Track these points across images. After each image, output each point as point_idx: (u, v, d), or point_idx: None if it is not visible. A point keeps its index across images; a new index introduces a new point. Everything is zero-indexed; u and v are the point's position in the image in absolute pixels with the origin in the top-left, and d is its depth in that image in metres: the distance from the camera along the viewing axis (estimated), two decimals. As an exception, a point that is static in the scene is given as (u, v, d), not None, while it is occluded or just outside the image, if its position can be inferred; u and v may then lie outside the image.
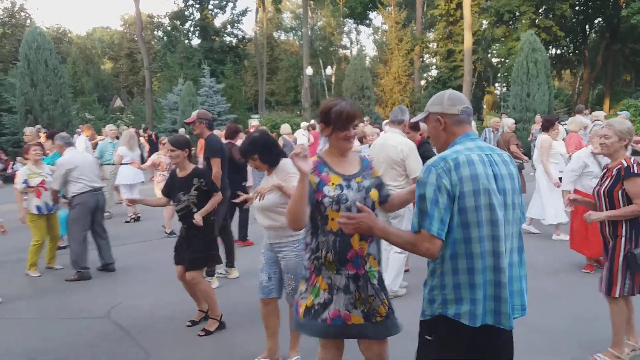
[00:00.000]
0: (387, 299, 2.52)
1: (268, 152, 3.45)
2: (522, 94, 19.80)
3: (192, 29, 38.51)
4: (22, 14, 42.79)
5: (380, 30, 45.14)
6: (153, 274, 6.11)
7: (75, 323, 4.67)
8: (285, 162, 3.44)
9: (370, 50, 50.63)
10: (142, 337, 4.31)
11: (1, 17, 41.62)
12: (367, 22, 44.37)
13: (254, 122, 15.03)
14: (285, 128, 12.51)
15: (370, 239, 2.44)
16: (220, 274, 5.83)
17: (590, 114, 12.52)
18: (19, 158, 12.59)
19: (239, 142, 6.77)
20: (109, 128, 10.36)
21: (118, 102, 42.00)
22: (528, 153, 11.80)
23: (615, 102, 31.25)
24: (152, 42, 42.01)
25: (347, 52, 46.00)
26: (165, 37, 38.72)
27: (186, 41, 37.96)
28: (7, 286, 5.73)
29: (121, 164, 9.13)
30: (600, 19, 35.16)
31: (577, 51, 36.51)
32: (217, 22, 39.86)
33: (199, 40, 37.92)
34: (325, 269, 2.47)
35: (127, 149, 9.21)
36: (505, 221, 2.00)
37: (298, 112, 33.35)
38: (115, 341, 4.24)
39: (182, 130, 15.38)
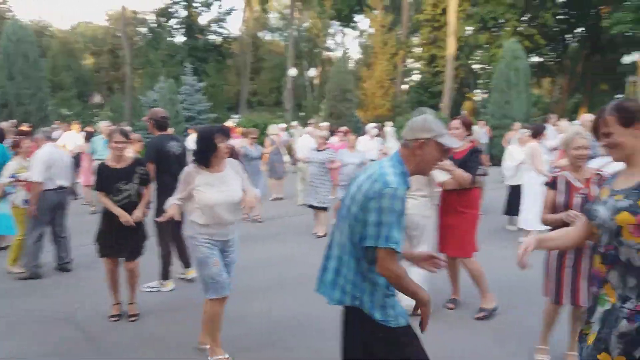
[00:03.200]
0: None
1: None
2: (501, 102, 20.00)
3: (177, 26, 38.32)
4: (3, 6, 42.09)
5: (365, 33, 45.31)
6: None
7: (38, 326, 4.55)
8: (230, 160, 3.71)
9: (355, 53, 50.75)
10: (103, 340, 4.25)
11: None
12: (353, 24, 44.51)
13: (228, 122, 14.93)
14: (273, 129, 12.34)
15: (610, 266, 2.05)
16: (182, 275, 5.76)
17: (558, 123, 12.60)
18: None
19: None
20: (104, 124, 10.26)
21: (97, 98, 41.47)
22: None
23: (592, 111, 31.72)
24: (136, 39, 41.60)
25: (332, 54, 46.06)
26: (149, 34, 38.42)
27: (170, 38, 37.71)
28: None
29: None
30: (581, 29, 35.72)
31: (557, 60, 37.03)
32: (203, 20, 39.72)
33: (184, 38, 37.72)
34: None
35: None
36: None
37: (280, 113, 33.25)
38: (74, 345, 4.14)
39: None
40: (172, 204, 3.56)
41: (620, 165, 2.22)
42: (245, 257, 5.68)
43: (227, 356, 3.69)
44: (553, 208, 3.62)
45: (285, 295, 5.26)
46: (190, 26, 37.15)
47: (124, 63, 37.72)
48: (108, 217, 4.49)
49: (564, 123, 11.30)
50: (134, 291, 4.71)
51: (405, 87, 38.01)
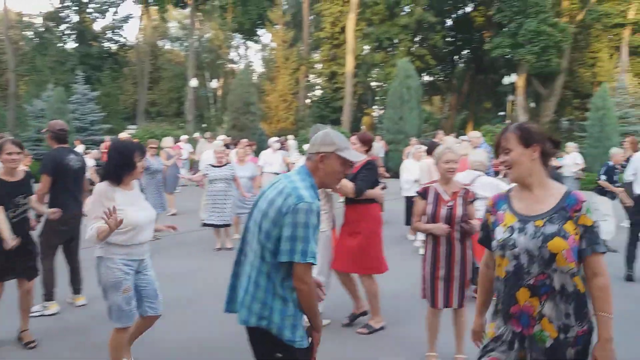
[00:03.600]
0: None
1: None
2: (396, 117, 21.14)
3: (67, 31, 36.12)
4: None
5: (268, 47, 45.63)
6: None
7: None
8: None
9: (259, 67, 50.90)
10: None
11: None
12: (256, 38, 44.64)
13: (122, 134, 14.37)
14: (167, 141, 11.96)
15: (545, 296, 2.01)
16: (69, 300, 5.41)
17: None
18: None
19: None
20: None
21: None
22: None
23: (477, 127, 34.42)
24: (21, 43, 38.56)
25: (235, 66, 45.82)
26: (36, 38, 35.83)
27: (60, 44, 35.46)
28: None
29: None
30: (467, 51, 38.72)
31: (446, 79, 39.78)
32: (97, 27, 37.84)
33: (75, 44, 35.64)
34: (498, 318, 2.18)
35: None
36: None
37: (181, 124, 32.44)
38: None
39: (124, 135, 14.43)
40: (95, 230, 3.18)
41: (489, 183, 2.44)
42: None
43: None
44: (420, 217, 3.87)
45: (193, 312, 5.17)
46: (83, 32, 35.22)
47: (7, 69, 34.80)
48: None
49: (449, 139, 12.20)
50: (28, 316, 4.34)
51: (308, 101, 38.77)
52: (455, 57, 39.26)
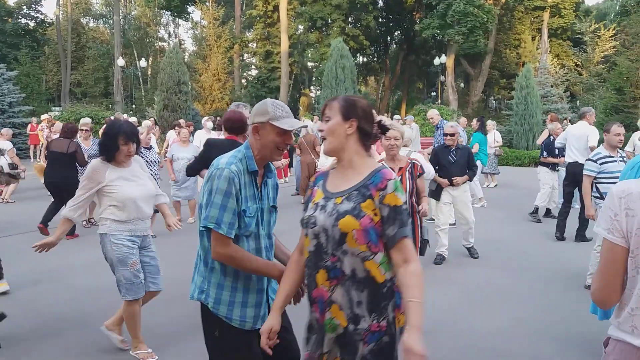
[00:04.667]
0: None
1: (139, 140, 3.57)
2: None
3: (-23, 6, 33.40)
4: None
5: (199, 25, 44.29)
6: None
7: None
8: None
9: (190, 45, 49.34)
10: None
11: None
12: (185, 16, 43.19)
13: (45, 115, 13.56)
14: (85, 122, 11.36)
15: (335, 281, 1.84)
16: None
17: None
18: None
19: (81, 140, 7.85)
20: None
21: None
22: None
23: (410, 107, 35.33)
24: None
25: (165, 44, 44.17)
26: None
27: (-31, 19, 32.78)
28: None
29: None
30: (399, 32, 39.38)
31: (380, 60, 40.37)
32: (11, 2, 35.18)
33: (-13, 20, 33.07)
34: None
35: None
36: None
37: (109, 105, 31.02)
38: None
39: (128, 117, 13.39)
40: (68, 212, 3.39)
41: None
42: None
43: (150, 350, 3.63)
44: None
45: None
46: (-5, 7, 32.73)
47: None
48: None
49: (383, 118, 12.49)
50: None
51: (243, 81, 38.14)
52: (388, 38, 39.86)
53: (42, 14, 37.06)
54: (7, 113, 19.97)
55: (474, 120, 11.17)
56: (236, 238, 2.10)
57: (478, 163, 9.94)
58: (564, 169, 7.63)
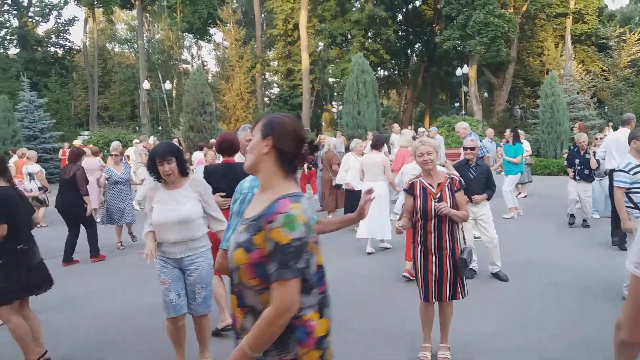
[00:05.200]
0: None
1: (182, 159, 3.57)
2: (354, 112, 21.28)
3: (8, 37, 34.63)
4: None
5: (221, 46, 45.05)
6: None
7: None
8: (197, 177, 3.70)
9: (213, 66, 50.18)
10: None
11: None
12: (208, 37, 44.01)
13: (76, 141, 13.91)
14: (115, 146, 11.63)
15: (245, 309, 1.75)
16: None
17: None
18: None
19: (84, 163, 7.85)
20: None
21: None
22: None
23: (433, 119, 35.13)
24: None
25: (189, 66, 45.02)
26: (-26, 45, 34.23)
27: (1, 50, 33.97)
28: None
29: None
30: (419, 44, 39.38)
31: (401, 73, 40.36)
32: (40, 31, 36.42)
33: (18, 50, 34.21)
34: None
35: None
36: None
37: (136, 128, 31.65)
38: None
39: (23, 149, 13.76)
40: (147, 232, 3.52)
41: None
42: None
43: None
44: (412, 214, 3.81)
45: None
46: (25, 37, 33.83)
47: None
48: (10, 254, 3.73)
49: (407, 131, 12.37)
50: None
51: (266, 99, 38.54)
52: (409, 50, 39.86)
53: (69, 41, 38.19)
54: (39, 139, 20.57)
55: (507, 131, 10.90)
56: None
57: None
58: (601, 178, 7.44)
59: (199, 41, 45.72)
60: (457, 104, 39.99)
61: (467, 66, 29.16)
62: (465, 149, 6.00)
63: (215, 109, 25.33)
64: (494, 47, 27.16)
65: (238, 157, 4.47)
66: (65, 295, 5.64)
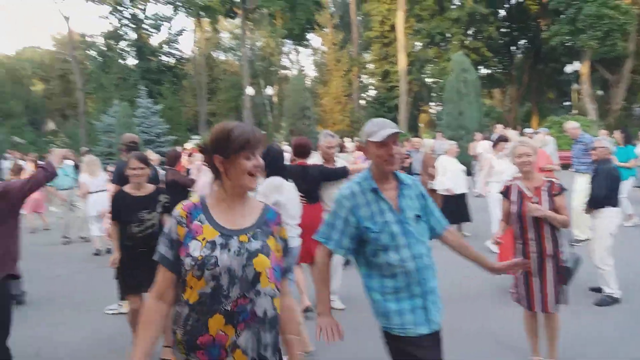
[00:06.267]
0: None
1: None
2: (455, 112, 20.73)
3: (127, 48, 37.86)
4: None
5: (318, 51, 46.00)
6: (80, 303, 5.88)
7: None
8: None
9: (311, 71, 51.35)
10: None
11: None
12: (306, 43, 45.12)
13: (188, 145, 14.88)
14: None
15: (242, 324, 1.72)
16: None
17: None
18: None
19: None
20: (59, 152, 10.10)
21: (50, 125, 40.35)
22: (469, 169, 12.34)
23: (541, 119, 33.22)
24: (86, 63, 40.79)
25: (288, 72, 46.46)
26: (99, 57, 37.78)
27: (121, 61, 37.19)
28: None
29: (89, 192, 8.19)
30: (524, 41, 37.44)
31: (505, 71, 38.61)
32: (154, 42, 39.41)
33: (135, 61, 37.29)
34: (177, 350, 1.78)
35: (89, 175, 8.33)
36: None
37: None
38: None
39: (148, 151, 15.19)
40: None
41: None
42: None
43: None
44: (508, 217, 3.72)
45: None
46: (141, 48, 36.79)
47: (76, 88, 36.88)
48: (128, 252, 4.08)
49: (511, 132, 11.87)
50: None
51: (362, 102, 38.73)
52: (512, 47, 38.05)
53: (180, 51, 40.92)
54: (155, 143, 22.27)
55: (617, 132, 9.98)
56: (374, 253, 2.31)
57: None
58: None
59: (298, 47, 46.97)
60: (567, 103, 37.49)
61: (579, 62, 27.24)
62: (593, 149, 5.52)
63: (313, 113, 25.98)
64: (609, 41, 25.11)
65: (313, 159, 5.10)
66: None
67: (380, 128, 2.31)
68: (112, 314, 5.42)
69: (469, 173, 10.78)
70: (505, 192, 3.74)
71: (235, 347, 1.70)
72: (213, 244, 1.73)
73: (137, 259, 3.99)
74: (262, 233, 1.81)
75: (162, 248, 1.82)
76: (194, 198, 1.89)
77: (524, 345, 3.92)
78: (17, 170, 9.28)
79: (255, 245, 1.76)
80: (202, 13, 36.60)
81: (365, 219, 2.30)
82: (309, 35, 43.02)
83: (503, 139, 7.87)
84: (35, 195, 10.53)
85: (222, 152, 1.78)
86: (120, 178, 5.41)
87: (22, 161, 15.77)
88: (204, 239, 1.74)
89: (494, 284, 5.61)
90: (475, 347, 4.20)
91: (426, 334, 2.28)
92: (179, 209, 1.83)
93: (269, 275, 1.76)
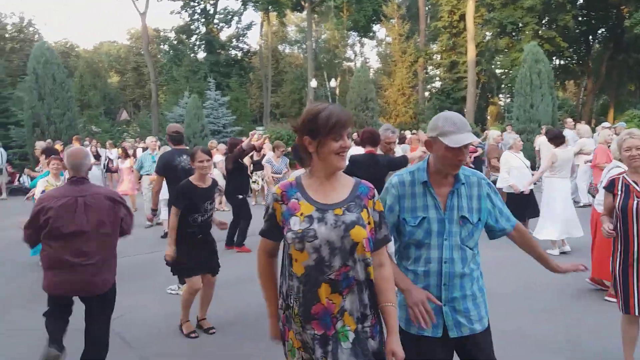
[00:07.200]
0: None
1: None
2: (526, 105, 19.83)
3: (197, 42, 39.06)
4: (31, 29, 43.46)
5: (383, 42, 45.47)
6: (154, 282, 6.10)
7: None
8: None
9: (374, 62, 50.89)
10: (145, 350, 4.31)
11: (10, 32, 42.26)
12: (371, 34, 44.68)
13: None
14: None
15: (347, 290, 1.90)
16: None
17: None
18: (26, 170, 12.76)
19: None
20: (150, 140, 10.64)
21: (124, 115, 42.48)
22: (533, 164, 11.84)
23: (619, 113, 31.21)
24: (159, 56, 42.53)
25: (352, 64, 46.28)
26: (171, 51, 39.22)
27: (192, 55, 38.42)
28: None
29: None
30: (603, 30, 35.25)
31: (580, 62, 36.57)
32: (223, 36, 40.41)
33: (205, 54, 38.40)
34: (294, 323, 1.97)
35: None
36: None
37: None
38: (117, 354, 4.08)
39: (213, 142, 15.71)
40: None
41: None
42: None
43: None
44: (612, 212, 3.47)
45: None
46: (211, 42, 37.81)
47: (149, 80, 38.53)
48: (185, 239, 4.37)
49: (582, 126, 11.19)
50: (208, 305, 4.70)
51: (427, 94, 37.97)
52: (590, 37, 35.91)
53: (247, 44, 41.75)
54: (222, 133, 22.88)
55: None
56: (406, 245, 2.26)
57: None
58: None
59: (362, 38, 46.66)
60: (649, 96, 35.03)
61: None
62: None
63: (376, 105, 25.72)
64: (701, 27, 23.20)
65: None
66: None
67: (456, 130, 2.10)
68: (175, 293, 5.59)
69: (534, 168, 10.28)
70: (611, 186, 3.49)
71: (343, 311, 1.90)
72: (310, 218, 1.90)
73: (197, 244, 4.41)
74: (356, 206, 1.95)
75: (264, 224, 2.07)
76: (290, 178, 2.10)
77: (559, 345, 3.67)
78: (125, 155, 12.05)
79: (350, 217, 1.91)
80: (270, 7, 37.09)
81: (406, 210, 2.22)
82: (375, 27, 42.60)
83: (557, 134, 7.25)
84: (129, 178, 11.30)
85: (312, 134, 1.92)
86: (165, 168, 5.61)
87: (103, 149, 16.68)
88: (301, 214, 1.92)
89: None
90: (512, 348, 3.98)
91: (433, 337, 2.19)
92: (276, 188, 2.04)
93: (364, 245, 1.90)
